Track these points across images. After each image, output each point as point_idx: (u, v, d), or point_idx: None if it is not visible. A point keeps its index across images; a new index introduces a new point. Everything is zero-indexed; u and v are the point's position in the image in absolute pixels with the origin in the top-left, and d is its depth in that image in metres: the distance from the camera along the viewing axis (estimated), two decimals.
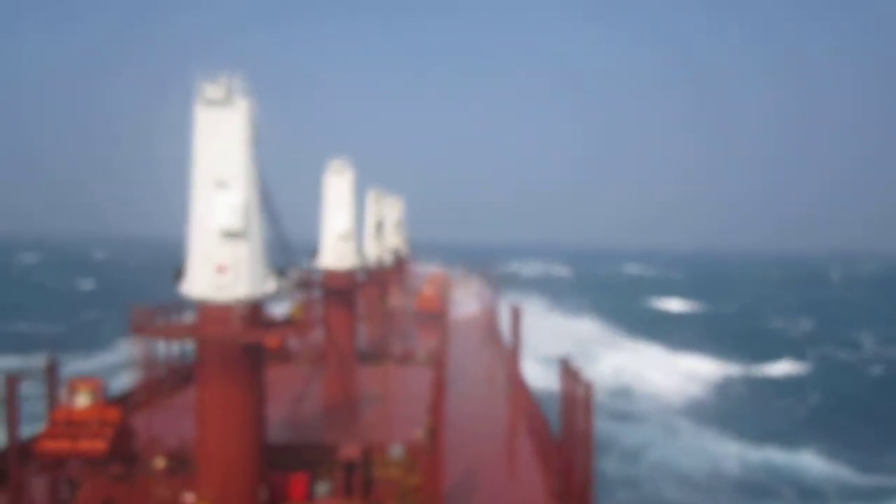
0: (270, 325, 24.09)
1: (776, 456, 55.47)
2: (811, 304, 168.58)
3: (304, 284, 37.34)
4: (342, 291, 39.19)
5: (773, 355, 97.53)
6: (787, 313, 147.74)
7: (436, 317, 63.26)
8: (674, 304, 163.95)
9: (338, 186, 38.72)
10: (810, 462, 54.12)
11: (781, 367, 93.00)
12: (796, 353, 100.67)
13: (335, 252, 38.94)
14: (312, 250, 39.03)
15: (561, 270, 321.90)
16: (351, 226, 39.11)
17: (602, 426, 59.44)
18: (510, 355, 44.34)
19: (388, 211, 70.24)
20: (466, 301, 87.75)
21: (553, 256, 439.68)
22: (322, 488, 25.19)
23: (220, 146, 21.31)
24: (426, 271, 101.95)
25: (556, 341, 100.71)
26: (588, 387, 19.83)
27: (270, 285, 22.68)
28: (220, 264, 21.36)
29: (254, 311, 22.13)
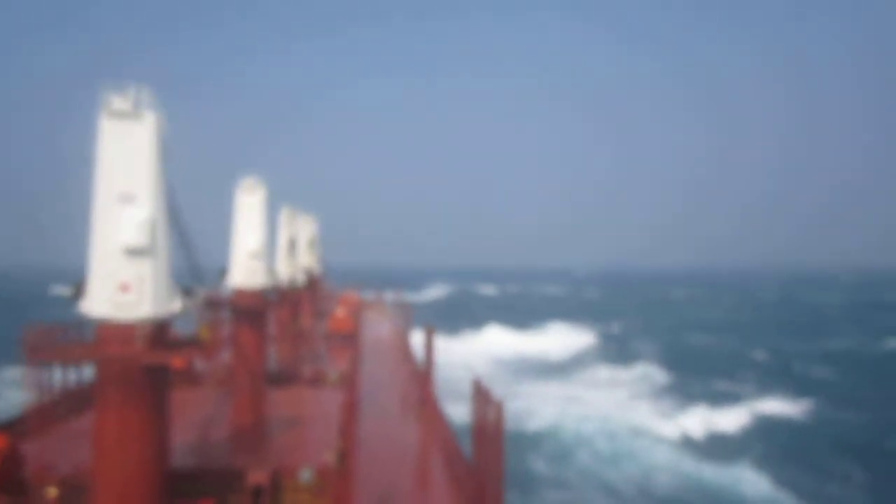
0: (176, 345, 23.27)
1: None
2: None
3: (213, 304, 36.30)
4: (252, 311, 38.27)
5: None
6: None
7: (348, 338, 62.63)
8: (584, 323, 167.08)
9: (249, 204, 37.94)
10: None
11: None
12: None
13: (245, 271, 38.04)
14: (222, 269, 38.03)
15: (487, 290, 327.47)
16: (262, 244, 38.33)
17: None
18: (423, 377, 44.22)
19: (302, 229, 69.29)
20: (380, 323, 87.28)
21: (471, 277, 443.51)
22: None
23: (126, 160, 20.59)
24: (340, 293, 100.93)
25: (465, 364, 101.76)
26: (499, 407, 19.96)
27: (176, 305, 21.95)
28: (123, 282, 20.54)
29: (158, 332, 21.35)
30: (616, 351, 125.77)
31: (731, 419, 73.54)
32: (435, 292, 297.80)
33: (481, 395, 21.93)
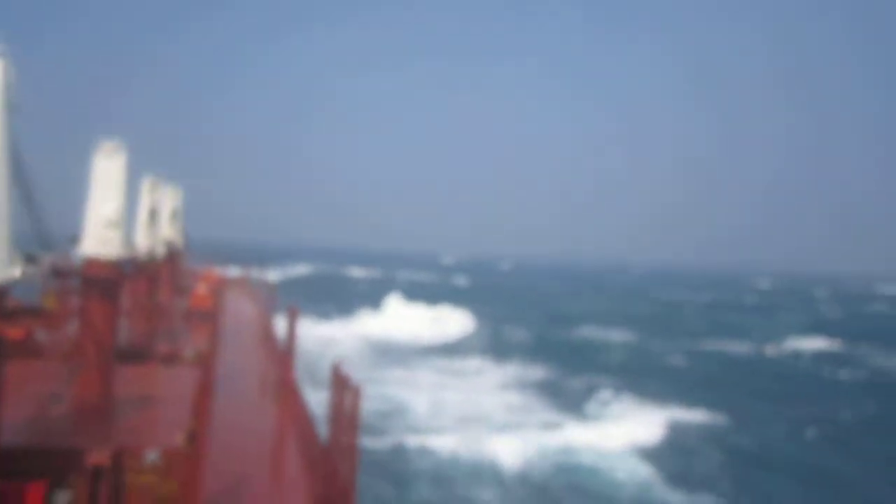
0: (14, 314, 21.64)
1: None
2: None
3: (60, 272, 34.01)
4: (105, 282, 36.15)
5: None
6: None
7: (208, 316, 60.58)
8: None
9: (107, 169, 35.75)
10: None
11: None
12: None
13: (99, 239, 35.82)
14: (73, 236, 35.68)
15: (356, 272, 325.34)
16: (120, 212, 36.24)
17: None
18: (283, 359, 43.47)
19: (165, 200, 66.24)
20: (242, 302, 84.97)
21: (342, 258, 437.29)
22: (62, 498, 22.99)
23: None
24: (201, 269, 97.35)
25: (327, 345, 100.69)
26: (356, 392, 19.95)
27: (15, 270, 20.39)
28: None
29: None
30: (492, 340, 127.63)
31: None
32: (301, 269, 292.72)
33: (340, 380, 21.81)
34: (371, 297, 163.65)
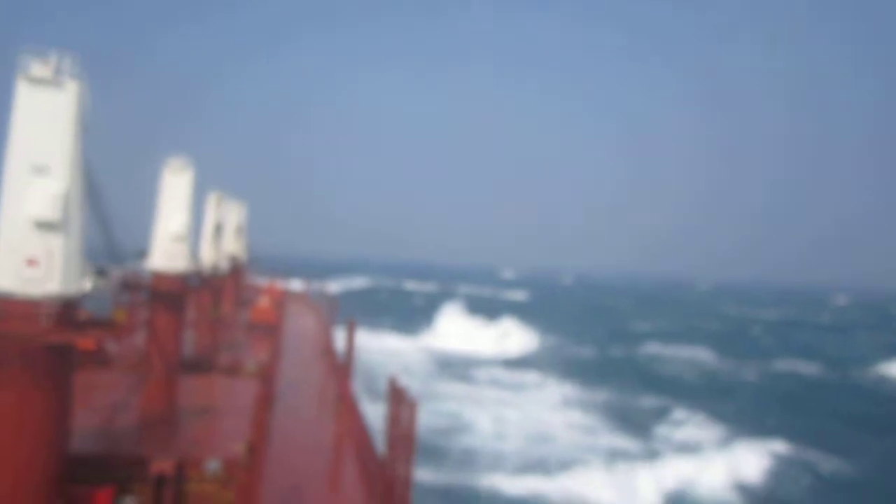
0: (85, 326, 22.46)
1: None
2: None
3: (129, 285, 35.19)
4: (171, 295, 37.25)
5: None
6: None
7: (270, 329, 61.69)
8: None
9: (175, 185, 36.95)
10: None
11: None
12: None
13: (167, 254, 37.01)
14: (140, 250, 36.91)
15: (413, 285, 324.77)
16: (186, 227, 37.37)
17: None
18: (342, 372, 43.90)
19: (229, 215, 67.98)
20: (303, 316, 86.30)
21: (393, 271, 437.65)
22: (128, 503, 23.70)
23: (42, 129, 19.76)
24: (264, 282, 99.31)
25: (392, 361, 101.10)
26: (413, 406, 19.97)
27: (87, 283, 21.17)
28: (31, 257, 19.70)
29: (66, 310, 20.54)
30: (553, 356, 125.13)
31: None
32: (360, 283, 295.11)
33: (396, 394, 21.89)
34: (429, 311, 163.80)
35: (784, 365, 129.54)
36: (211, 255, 55.78)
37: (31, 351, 19.82)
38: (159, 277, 36.97)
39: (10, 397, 19.79)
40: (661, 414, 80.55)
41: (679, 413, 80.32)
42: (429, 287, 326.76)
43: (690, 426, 75.50)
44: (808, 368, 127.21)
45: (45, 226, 19.68)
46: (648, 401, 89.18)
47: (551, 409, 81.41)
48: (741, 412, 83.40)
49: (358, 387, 58.49)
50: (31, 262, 19.61)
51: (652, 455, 64.31)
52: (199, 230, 53.60)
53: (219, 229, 57.96)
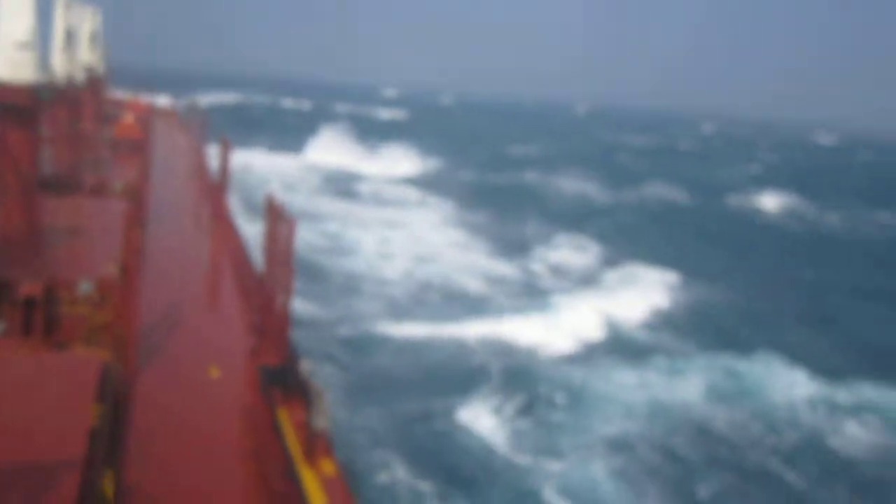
0: None
1: None
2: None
3: None
4: (20, 108, 34.20)
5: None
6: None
7: (136, 146, 58.57)
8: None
9: None
10: None
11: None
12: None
13: (11, 63, 33.44)
14: None
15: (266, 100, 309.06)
16: (31, 32, 33.69)
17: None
18: (217, 191, 42.81)
19: (82, 22, 61.86)
20: (172, 133, 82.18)
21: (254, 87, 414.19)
22: None
23: None
24: (127, 97, 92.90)
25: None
26: (291, 223, 19.90)
27: None
28: None
29: None
30: (434, 178, 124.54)
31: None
32: (232, 98, 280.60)
33: (274, 212, 21.65)
34: (306, 130, 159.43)
35: (655, 191, 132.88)
36: (64, 66, 51.17)
37: None
38: (5, 88, 33.68)
39: None
40: (540, 238, 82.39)
41: (560, 237, 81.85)
42: (306, 105, 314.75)
43: (568, 249, 77.54)
44: (678, 196, 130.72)
45: None
46: (528, 224, 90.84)
47: (434, 230, 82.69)
48: (619, 236, 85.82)
49: (236, 207, 57.40)
50: None
51: (531, 277, 66.96)
52: (49, 38, 48.67)
53: (70, 37, 52.80)
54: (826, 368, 45.88)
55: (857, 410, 40.87)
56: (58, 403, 17.24)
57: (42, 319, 23.41)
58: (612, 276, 68.18)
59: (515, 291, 61.39)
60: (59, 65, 50.30)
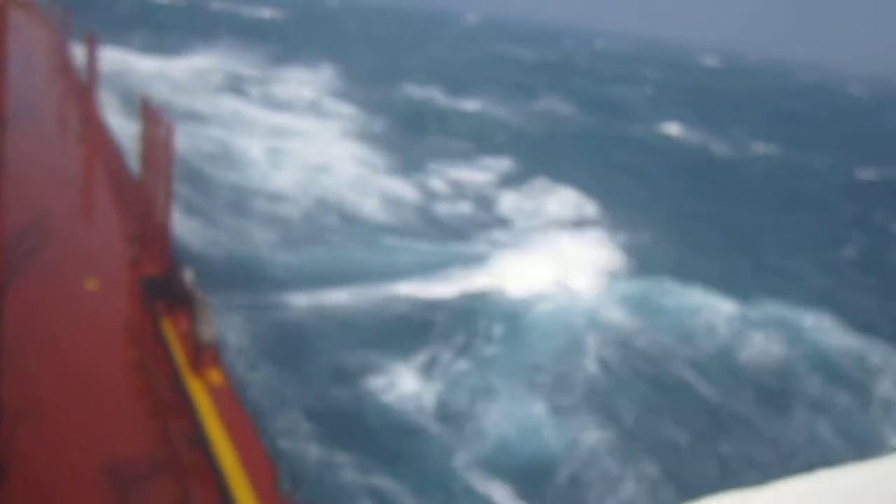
0: None
1: None
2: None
3: None
4: None
5: None
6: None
7: None
8: None
9: None
10: None
11: None
12: None
13: None
14: None
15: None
16: None
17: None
18: (86, 92, 39.92)
19: None
20: (30, 27, 75.31)
21: None
22: None
23: None
24: None
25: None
26: (169, 129, 18.89)
27: None
28: None
29: None
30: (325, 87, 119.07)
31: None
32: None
33: (150, 115, 20.46)
34: (185, 29, 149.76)
35: (552, 107, 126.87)
36: None
37: None
38: None
39: None
40: (442, 155, 78.44)
41: (460, 160, 77.78)
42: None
43: (474, 170, 74.23)
44: (582, 116, 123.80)
45: None
46: (428, 141, 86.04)
47: (330, 142, 79.30)
48: (520, 154, 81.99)
49: (114, 113, 53.43)
50: None
51: (431, 197, 63.60)
52: None
53: None
54: (733, 289, 46.41)
55: (763, 326, 43.21)
56: None
57: None
58: (515, 195, 67.02)
59: (416, 212, 59.11)
60: None
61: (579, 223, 60.92)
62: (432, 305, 40.46)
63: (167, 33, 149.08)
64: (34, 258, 21.83)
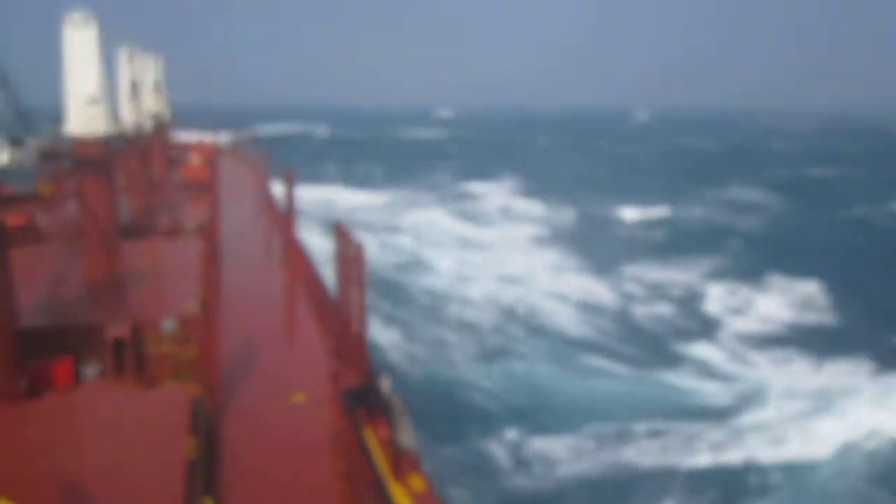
0: (10, 201, 21.65)
1: None
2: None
3: (50, 155, 33.64)
4: (96, 161, 35.87)
5: None
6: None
7: (204, 187, 60.50)
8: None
9: (79, 42, 34.48)
10: None
11: None
12: None
13: (84, 118, 35.20)
14: (56, 117, 34.99)
15: (321, 131, 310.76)
16: (100, 88, 35.33)
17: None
18: (284, 222, 43.79)
19: (145, 72, 64.42)
20: (237, 170, 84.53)
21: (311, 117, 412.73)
22: (90, 371, 23.94)
23: None
24: (191, 139, 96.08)
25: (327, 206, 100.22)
26: (359, 248, 20.20)
27: (3, 156, 20.14)
28: None
29: None
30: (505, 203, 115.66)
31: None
32: (287, 129, 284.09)
33: (343, 236, 22.06)
34: (374, 158, 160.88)
35: (750, 199, 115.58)
36: (132, 115, 53.37)
37: None
38: (80, 143, 35.40)
39: None
40: (634, 254, 74.51)
41: (655, 258, 73.63)
42: (360, 134, 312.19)
43: (670, 268, 68.96)
44: (781, 202, 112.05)
45: None
46: (616, 242, 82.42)
47: (518, 249, 77.47)
48: (730, 252, 75.68)
49: (313, 239, 57.89)
50: None
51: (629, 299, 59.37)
52: (115, 89, 50.88)
53: (135, 87, 55.08)
54: None
55: None
56: (154, 438, 17.94)
57: (132, 359, 24.40)
58: (723, 295, 59.20)
59: (613, 320, 54.21)
60: (128, 114, 52.50)
61: (818, 334, 50.04)
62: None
63: (355, 163, 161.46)
64: (247, 375, 23.75)
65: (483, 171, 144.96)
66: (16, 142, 21.26)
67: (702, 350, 47.38)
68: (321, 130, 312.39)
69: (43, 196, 27.02)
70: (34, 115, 24.41)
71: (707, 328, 52.07)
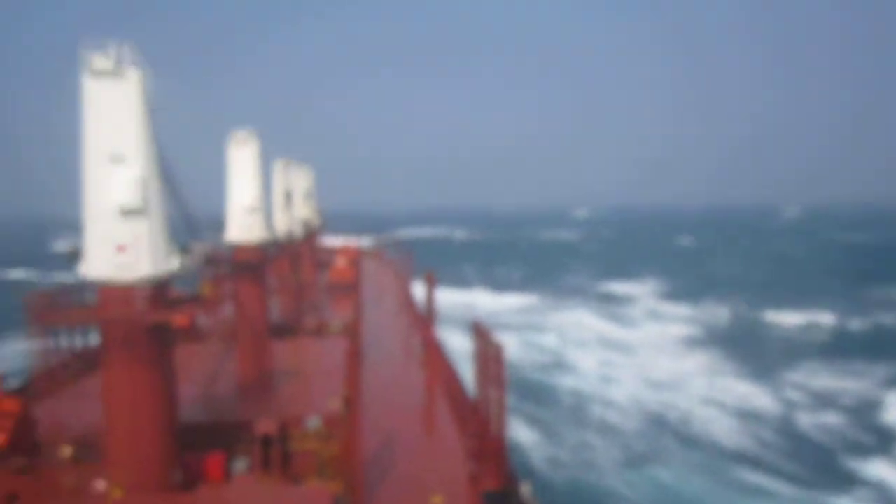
0: (176, 303, 23.49)
1: None
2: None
3: (212, 260, 36.40)
4: (252, 266, 38.42)
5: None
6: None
7: (349, 288, 63.03)
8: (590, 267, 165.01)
9: (242, 158, 37.73)
10: None
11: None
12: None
13: (243, 225, 38.05)
14: (218, 224, 38.03)
15: (460, 234, 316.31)
16: (258, 198, 38.25)
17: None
18: (424, 322, 44.65)
19: (297, 181, 69.08)
20: (380, 272, 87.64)
21: (452, 221, 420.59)
22: (239, 465, 24.95)
23: (112, 119, 20.38)
24: (337, 243, 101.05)
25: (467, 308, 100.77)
26: (499, 348, 20.23)
27: (174, 263, 22.02)
28: (120, 243, 20.58)
29: (158, 291, 21.51)
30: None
31: None
32: (427, 232, 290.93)
33: (482, 336, 22.21)
34: (511, 260, 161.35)
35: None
36: (284, 222, 56.99)
37: (133, 332, 20.87)
38: (239, 249, 38.13)
39: (122, 377, 20.99)
40: (794, 359, 70.45)
41: (818, 363, 69.34)
42: (492, 235, 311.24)
43: (836, 375, 64.88)
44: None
45: (129, 212, 20.48)
46: (772, 347, 78.73)
47: (665, 352, 75.03)
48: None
49: (453, 339, 58.10)
50: (121, 249, 20.49)
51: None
52: (270, 198, 54.76)
53: (288, 196, 59.02)
54: None
55: None
56: None
57: (278, 455, 25.23)
58: None
59: (774, 430, 50.26)
60: (280, 221, 56.13)
61: None
62: None
63: (495, 265, 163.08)
64: (387, 474, 23.90)
65: (624, 272, 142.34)
66: (185, 249, 23.25)
67: (880, 469, 42.68)
68: (459, 233, 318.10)
69: (204, 298, 29.16)
70: (202, 220, 26.61)
71: (886, 442, 46.99)
